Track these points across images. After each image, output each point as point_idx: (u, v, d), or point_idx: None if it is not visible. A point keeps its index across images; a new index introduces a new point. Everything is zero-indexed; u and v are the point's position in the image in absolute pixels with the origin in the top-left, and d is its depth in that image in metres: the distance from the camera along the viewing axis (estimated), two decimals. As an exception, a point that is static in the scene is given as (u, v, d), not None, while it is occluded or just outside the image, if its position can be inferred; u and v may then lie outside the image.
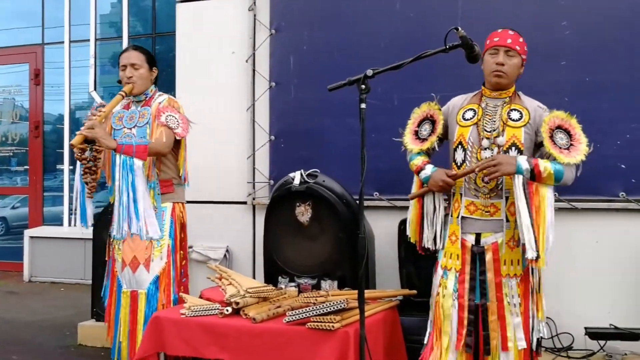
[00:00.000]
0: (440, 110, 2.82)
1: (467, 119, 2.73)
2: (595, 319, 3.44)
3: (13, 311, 5.38)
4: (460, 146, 2.71)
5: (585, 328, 3.34)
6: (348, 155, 3.86)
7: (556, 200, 3.52)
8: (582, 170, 3.49)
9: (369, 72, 2.51)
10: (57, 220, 7.41)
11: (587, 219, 3.55)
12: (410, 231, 2.84)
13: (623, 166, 3.47)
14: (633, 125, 3.46)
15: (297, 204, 3.47)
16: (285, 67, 4.24)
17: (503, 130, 2.65)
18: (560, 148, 2.58)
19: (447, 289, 2.67)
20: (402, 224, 3.77)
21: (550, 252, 3.54)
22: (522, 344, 2.57)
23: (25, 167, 7.79)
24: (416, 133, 2.85)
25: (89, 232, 4.42)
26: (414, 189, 2.83)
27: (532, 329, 2.59)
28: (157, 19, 7.13)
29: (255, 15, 4.34)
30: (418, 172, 2.77)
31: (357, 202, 3.01)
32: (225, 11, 4.46)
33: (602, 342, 3.34)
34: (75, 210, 3.31)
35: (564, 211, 3.58)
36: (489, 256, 2.64)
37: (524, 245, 2.51)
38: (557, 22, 3.60)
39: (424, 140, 2.81)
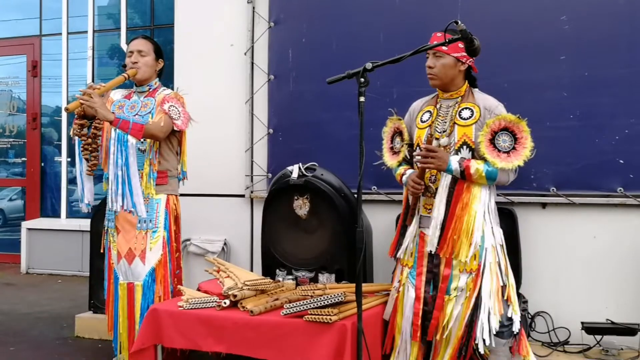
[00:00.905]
0: (401, 120, 2.97)
1: (424, 121, 2.87)
2: (591, 313, 3.45)
3: (10, 303, 5.38)
4: (418, 148, 2.85)
5: (582, 323, 3.35)
6: (346, 148, 3.85)
7: (554, 195, 3.57)
8: (581, 165, 3.53)
9: (368, 65, 2.50)
10: (54, 213, 7.40)
11: (585, 214, 3.55)
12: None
13: (621, 161, 3.47)
14: (632, 120, 3.46)
15: (295, 197, 3.47)
16: (284, 60, 4.23)
17: (452, 130, 2.74)
18: (499, 151, 2.65)
19: (405, 283, 2.84)
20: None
21: (548, 246, 3.60)
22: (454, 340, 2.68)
23: (23, 158, 7.77)
24: (392, 149, 3.00)
25: (86, 225, 4.43)
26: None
27: (473, 323, 2.65)
28: (156, 11, 7.10)
29: (254, 8, 4.32)
30: (402, 180, 2.92)
31: (355, 195, 3.02)
32: (224, 4, 4.45)
33: (598, 337, 3.35)
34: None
35: (562, 206, 3.59)
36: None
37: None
38: (556, 17, 3.59)
39: (399, 152, 2.96)
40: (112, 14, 7.41)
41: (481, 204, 2.70)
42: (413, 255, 2.84)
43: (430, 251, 2.76)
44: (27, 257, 6.94)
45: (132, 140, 3.06)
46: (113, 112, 3.11)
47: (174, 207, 3.38)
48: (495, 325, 2.63)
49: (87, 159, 3.22)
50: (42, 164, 7.62)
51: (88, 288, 4.38)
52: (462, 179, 2.68)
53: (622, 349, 3.30)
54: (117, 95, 3.46)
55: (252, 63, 4.32)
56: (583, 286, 3.54)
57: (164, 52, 3.51)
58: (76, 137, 3.22)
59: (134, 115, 3.27)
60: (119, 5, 6.83)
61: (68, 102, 7.21)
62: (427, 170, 2.76)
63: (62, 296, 5.65)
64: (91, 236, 4.37)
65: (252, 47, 4.32)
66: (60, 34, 7.33)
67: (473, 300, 2.66)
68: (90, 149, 3.21)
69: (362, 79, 2.48)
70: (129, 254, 3.24)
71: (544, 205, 3.62)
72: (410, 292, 2.80)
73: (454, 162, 2.67)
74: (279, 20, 4.25)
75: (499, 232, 2.80)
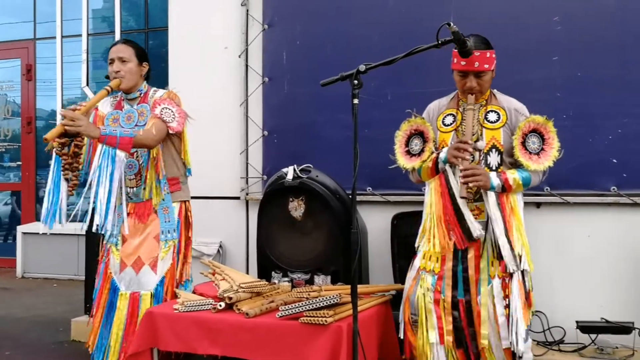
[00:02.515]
0: (424, 120, 2.87)
1: (447, 125, 2.80)
2: (586, 312, 3.46)
3: (6, 307, 5.37)
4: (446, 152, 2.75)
5: (577, 322, 3.36)
6: (341, 150, 3.86)
7: (548, 195, 3.58)
8: (575, 165, 3.55)
9: (362, 68, 2.51)
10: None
11: (579, 213, 3.57)
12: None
13: (615, 161, 3.49)
14: (625, 120, 3.48)
15: (290, 199, 3.47)
16: (278, 63, 4.24)
17: (482, 133, 2.71)
18: (530, 154, 2.66)
19: (425, 286, 2.73)
20: (395, 218, 3.80)
21: (542, 245, 3.61)
22: (506, 344, 2.60)
23: (18, 163, 7.75)
24: (408, 152, 2.87)
25: (81, 228, 4.40)
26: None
27: (513, 331, 2.60)
28: (150, 14, 7.11)
29: (247, 11, 4.33)
30: (436, 164, 2.77)
31: (350, 197, 3.02)
32: (218, 6, 4.46)
33: (593, 336, 3.36)
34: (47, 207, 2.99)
35: (556, 205, 3.61)
36: (471, 254, 2.71)
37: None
38: (549, 18, 3.61)
39: (419, 154, 2.83)
40: (107, 17, 7.41)
41: (521, 209, 2.72)
42: (437, 262, 2.73)
43: (458, 252, 2.69)
44: (23, 262, 6.92)
45: (121, 154, 2.92)
46: (98, 128, 2.92)
47: (186, 214, 3.30)
48: (523, 331, 2.61)
49: (67, 179, 2.96)
50: (37, 168, 7.60)
51: (84, 292, 4.38)
52: (502, 192, 2.67)
53: (617, 348, 3.32)
54: (105, 107, 3.29)
55: (247, 65, 4.33)
56: (578, 285, 3.55)
57: (156, 54, 3.42)
58: (55, 154, 2.97)
59: (134, 127, 3.14)
60: (114, 8, 6.83)
61: (63, 106, 7.19)
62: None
63: (58, 300, 5.64)
64: (87, 240, 4.37)
65: (247, 49, 4.33)
66: (55, 37, 7.31)
67: (509, 305, 2.62)
68: (71, 168, 2.99)
69: (356, 81, 2.49)
70: (136, 262, 3.15)
71: (538, 204, 3.63)
72: (431, 294, 2.71)
73: (495, 178, 2.65)
74: (272, 23, 4.26)
75: None
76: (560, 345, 3.45)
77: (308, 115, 4.13)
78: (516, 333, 2.59)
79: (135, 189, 3.20)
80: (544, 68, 3.60)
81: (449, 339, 2.67)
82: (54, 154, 2.99)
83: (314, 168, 3.51)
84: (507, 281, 2.64)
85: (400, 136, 2.91)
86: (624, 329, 3.31)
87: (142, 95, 3.25)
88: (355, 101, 2.48)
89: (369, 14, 4.00)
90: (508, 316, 2.61)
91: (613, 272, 3.51)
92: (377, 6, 3.99)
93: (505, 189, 2.65)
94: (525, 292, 2.65)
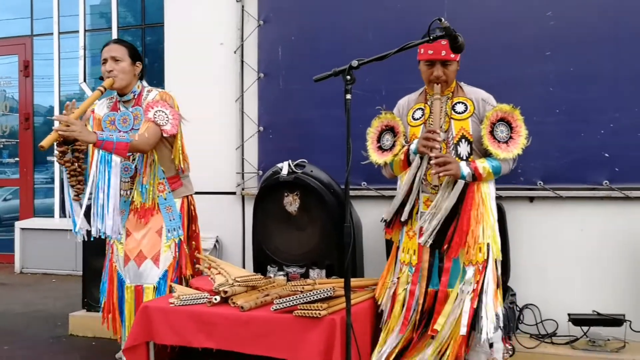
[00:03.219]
0: (394, 115, 2.93)
1: (417, 119, 2.86)
2: (578, 305, 3.50)
3: (4, 302, 5.40)
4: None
5: (569, 314, 3.40)
6: (336, 145, 3.87)
7: (541, 189, 3.61)
8: (567, 159, 3.58)
9: (354, 63, 2.51)
10: (48, 212, 7.41)
11: (572, 207, 3.60)
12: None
13: (607, 155, 3.52)
14: (616, 114, 3.51)
15: (285, 194, 3.50)
16: (273, 58, 4.26)
17: (449, 125, 2.76)
18: (499, 142, 2.69)
19: (403, 279, 2.82)
20: (390, 213, 3.82)
21: (535, 239, 3.64)
22: (463, 331, 2.65)
23: (16, 159, 7.77)
24: (379, 148, 2.92)
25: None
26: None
27: (477, 318, 2.65)
28: (148, 10, 7.10)
29: (243, 7, 4.35)
30: (407, 157, 2.81)
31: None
32: (214, 2, 4.47)
33: (585, 328, 3.40)
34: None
35: (548, 199, 3.64)
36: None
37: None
38: (542, 13, 3.63)
39: (391, 149, 2.88)
40: (105, 12, 7.40)
41: (492, 200, 2.75)
42: (414, 254, 2.80)
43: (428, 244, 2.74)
44: (21, 257, 6.95)
45: (116, 159, 2.94)
46: (95, 133, 2.93)
47: (189, 208, 3.34)
48: (493, 319, 2.66)
49: (72, 185, 3.07)
50: (35, 164, 7.62)
51: (81, 287, 4.41)
52: (473, 181, 2.70)
53: (608, 340, 3.35)
54: (102, 109, 3.30)
55: (242, 61, 4.35)
56: (570, 278, 3.59)
57: (153, 50, 3.43)
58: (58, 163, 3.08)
59: (129, 130, 3.16)
60: (111, 4, 6.85)
61: (60, 102, 7.23)
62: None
63: (56, 295, 5.67)
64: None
65: (242, 45, 4.35)
66: (52, 33, 7.33)
67: (478, 294, 2.67)
68: (75, 173, 3.06)
69: (349, 77, 2.50)
70: (139, 255, 3.21)
71: (531, 199, 3.66)
72: (407, 290, 2.80)
73: (465, 167, 2.68)
74: (268, 19, 4.28)
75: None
76: (552, 338, 3.49)
77: (303, 111, 4.16)
78: (486, 318, 2.64)
79: (130, 191, 3.24)
80: (537, 63, 3.63)
81: (409, 327, 2.75)
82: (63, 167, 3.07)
83: (310, 163, 3.54)
84: (480, 268, 2.69)
85: (371, 132, 2.95)
86: (615, 321, 3.34)
87: (135, 96, 3.25)
88: (348, 96, 2.49)
89: (363, 10, 4.02)
90: (477, 302, 2.66)
91: (605, 266, 3.55)
92: (371, 2, 4.01)
93: (475, 177, 2.69)
94: (497, 280, 2.71)
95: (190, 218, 3.37)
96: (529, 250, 3.64)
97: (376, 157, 2.91)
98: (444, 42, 2.70)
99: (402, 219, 2.83)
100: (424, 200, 2.80)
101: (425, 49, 2.75)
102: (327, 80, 2.63)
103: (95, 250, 4.07)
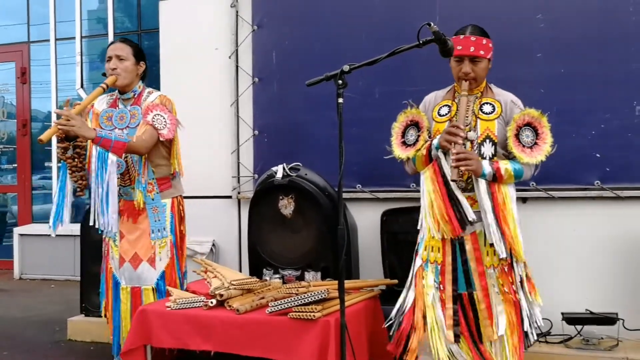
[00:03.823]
0: (419, 110, 2.87)
1: (443, 115, 2.79)
2: (572, 304, 3.53)
3: (3, 308, 5.42)
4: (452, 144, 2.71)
5: (562, 313, 3.43)
6: (330, 148, 3.90)
7: (534, 190, 3.64)
8: (559, 160, 3.58)
9: (346, 68, 2.54)
10: (46, 218, 7.43)
11: (564, 207, 3.63)
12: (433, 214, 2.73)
13: (598, 155, 3.56)
14: (607, 115, 3.55)
15: (280, 197, 3.53)
16: (268, 63, 4.30)
17: (476, 124, 2.71)
18: (523, 146, 2.66)
19: (428, 281, 2.72)
20: (385, 215, 3.86)
21: (528, 239, 3.66)
22: (502, 331, 2.62)
23: (14, 165, 7.80)
24: (403, 143, 2.87)
25: (78, 229, 4.47)
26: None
27: (523, 316, 2.64)
28: (144, 15, 7.14)
29: (237, 12, 4.39)
30: (429, 153, 2.76)
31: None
32: (208, 8, 4.51)
33: (579, 327, 3.43)
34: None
35: (541, 200, 3.67)
36: (468, 246, 2.70)
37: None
38: (532, 16, 3.67)
39: (414, 144, 2.83)
40: (102, 18, 7.44)
41: (514, 205, 2.71)
42: (439, 252, 2.73)
43: (455, 246, 2.69)
44: (20, 263, 6.97)
45: (112, 157, 2.98)
46: (94, 129, 3.00)
47: (179, 208, 3.37)
48: (538, 316, 2.67)
49: (75, 181, 3.11)
50: (33, 170, 7.65)
51: (80, 292, 4.44)
52: (493, 181, 2.66)
53: (602, 338, 3.39)
54: (102, 104, 3.35)
55: (237, 66, 4.39)
56: (563, 278, 3.62)
57: (150, 55, 3.44)
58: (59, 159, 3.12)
59: (125, 127, 3.21)
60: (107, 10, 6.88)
61: (58, 107, 7.25)
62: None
63: (55, 300, 5.70)
64: (82, 240, 4.42)
65: (237, 50, 4.39)
66: (49, 40, 7.36)
67: (517, 294, 2.64)
68: (76, 169, 3.10)
69: (340, 81, 2.53)
70: (134, 258, 3.24)
71: (524, 200, 3.69)
72: (435, 292, 2.70)
73: (487, 165, 2.63)
74: (262, 24, 4.32)
75: None
76: (546, 337, 3.51)
77: (298, 115, 4.19)
78: (532, 315, 2.65)
79: (123, 187, 3.26)
80: (527, 65, 3.66)
81: (449, 333, 2.66)
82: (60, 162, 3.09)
83: (305, 166, 3.57)
84: (506, 270, 2.66)
85: (396, 127, 2.90)
86: (608, 319, 3.37)
87: (135, 96, 3.29)
88: (340, 100, 2.52)
89: (356, 15, 4.06)
90: (516, 303, 2.63)
91: (598, 265, 3.58)
92: (364, 7, 4.04)
93: (496, 178, 2.65)
94: (528, 280, 2.70)
95: (179, 219, 3.39)
96: (523, 250, 3.66)
97: (399, 151, 2.86)
98: (473, 38, 2.69)
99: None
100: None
101: (455, 44, 2.66)
102: (321, 83, 2.65)
103: (93, 255, 4.10)
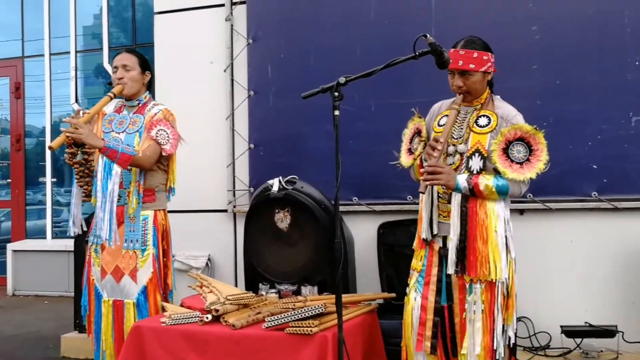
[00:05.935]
0: (422, 119, 2.85)
1: (441, 125, 2.77)
2: (571, 317, 3.50)
3: (-4, 325, 5.37)
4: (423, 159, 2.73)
5: (561, 326, 3.40)
6: (326, 161, 3.86)
7: (530, 202, 3.63)
8: (556, 171, 3.57)
9: (342, 80, 2.53)
10: (40, 234, 7.38)
11: (561, 219, 3.62)
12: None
13: (595, 166, 3.55)
14: (603, 126, 3.55)
15: (276, 211, 3.50)
16: (263, 76, 4.29)
17: (468, 137, 2.68)
18: (512, 162, 2.58)
19: (411, 290, 2.72)
20: (382, 227, 3.84)
21: (526, 251, 3.64)
22: (478, 350, 2.57)
23: (8, 180, 7.75)
24: (409, 150, 2.85)
25: (71, 245, 4.43)
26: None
27: (496, 334, 2.58)
28: (139, 29, 7.13)
29: (232, 26, 4.39)
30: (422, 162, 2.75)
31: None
32: (203, 22, 4.51)
33: (578, 340, 3.40)
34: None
35: (538, 212, 3.66)
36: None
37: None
38: (527, 27, 3.68)
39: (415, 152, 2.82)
40: (97, 33, 7.43)
41: (500, 222, 2.61)
42: (422, 260, 2.72)
43: (442, 257, 2.66)
44: (13, 279, 6.89)
45: (117, 169, 3.03)
46: (103, 139, 3.07)
47: (162, 222, 3.33)
48: (512, 336, 2.61)
49: (80, 186, 3.20)
50: (27, 186, 7.60)
51: (73, 308, 4.38)
52: (472, 196, 2.59)
53: (601, 351, 3.36)
54: (110, 108, 3.40)
55: (232, 79, 4.38)
56: (562, 290, 3.60)
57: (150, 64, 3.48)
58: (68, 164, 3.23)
59: (122, 132, 3.24)
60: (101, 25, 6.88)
61: (52, 123, 7.24)
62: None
63: (49, 317, 5.63)
64: (75, 256, 4.38)
65: (232, 64, 4.38)
66: (43, 55, 7.35)
67: (494, 311, 2.60)
68: (83, 174, 3.19)
69: (336, 93, 2.52)
70: (116, 270, 3.20)
71: (521, 211, 3.68)
72: (417, 301, 2.69)
73: (462, 180, 2.57)
74: (257, 37, 4.32)
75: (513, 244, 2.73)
76: (546, 350, 3.49)
77: (293, 128, 4.18)
78: (503, 335, 2.60)
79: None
80: (523, 77, 3.66)
81: (427, 344, 2.65)
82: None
83: (301, 179, 3.55)
84: (489, 287, 2.60)
85: (406, 134, 2.88)
86: (607, 332, 3.35)
87: (140, 105, 3.34)
88: (336, 113, 2.50)
89: (351, 27, 4.06)
90: (491, 320, 2.59)
91: (596, 276, 3.56)
92: (359, 19, 4.05)
93: (474, 193, 2.59)
94: (502, 300, 2.62)
95: (163, 232, 3.34)
96: (520, 262, 3.61)
97: (404, 159, 2.85)
98: (462, 51, 2.66)
99: (423, 237, 2.70)
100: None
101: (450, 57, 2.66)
102: (317, 96, 2.64)
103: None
